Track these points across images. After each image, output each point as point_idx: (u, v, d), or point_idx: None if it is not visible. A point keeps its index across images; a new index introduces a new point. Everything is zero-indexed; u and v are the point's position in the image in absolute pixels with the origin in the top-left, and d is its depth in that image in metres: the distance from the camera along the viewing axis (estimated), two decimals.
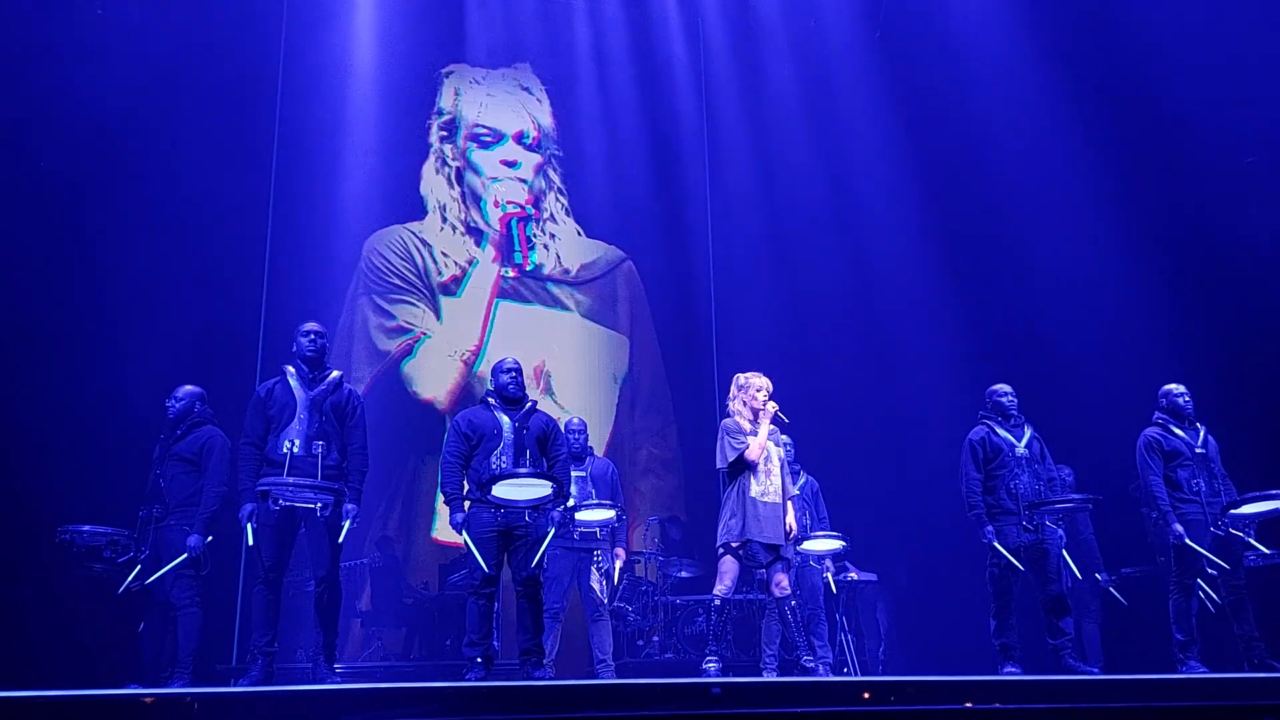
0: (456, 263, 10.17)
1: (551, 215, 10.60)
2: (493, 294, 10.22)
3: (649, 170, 10.63)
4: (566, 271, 10.50)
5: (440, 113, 10.52)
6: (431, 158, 10.38)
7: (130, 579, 5.42)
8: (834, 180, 10.01)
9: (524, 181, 10.61)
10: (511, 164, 10.61)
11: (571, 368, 10.24)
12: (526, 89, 10.85)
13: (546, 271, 10.45)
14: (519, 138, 10.70)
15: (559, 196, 10.69)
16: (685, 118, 10.84)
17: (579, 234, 10.61)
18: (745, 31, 10.72)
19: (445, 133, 10.51)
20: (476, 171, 10.52)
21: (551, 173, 10.73)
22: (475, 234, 10.34)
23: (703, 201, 10.71)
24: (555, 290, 10.46)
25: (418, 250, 10.09)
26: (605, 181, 10.64)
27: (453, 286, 10.13)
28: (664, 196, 10.61)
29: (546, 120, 10.85)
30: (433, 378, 9.80)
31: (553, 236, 10.53)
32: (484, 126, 10.63)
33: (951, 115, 9.31)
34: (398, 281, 9.98)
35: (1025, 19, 8.85)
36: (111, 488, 6.13)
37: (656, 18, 10.84)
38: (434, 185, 10.35)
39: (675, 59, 10.86)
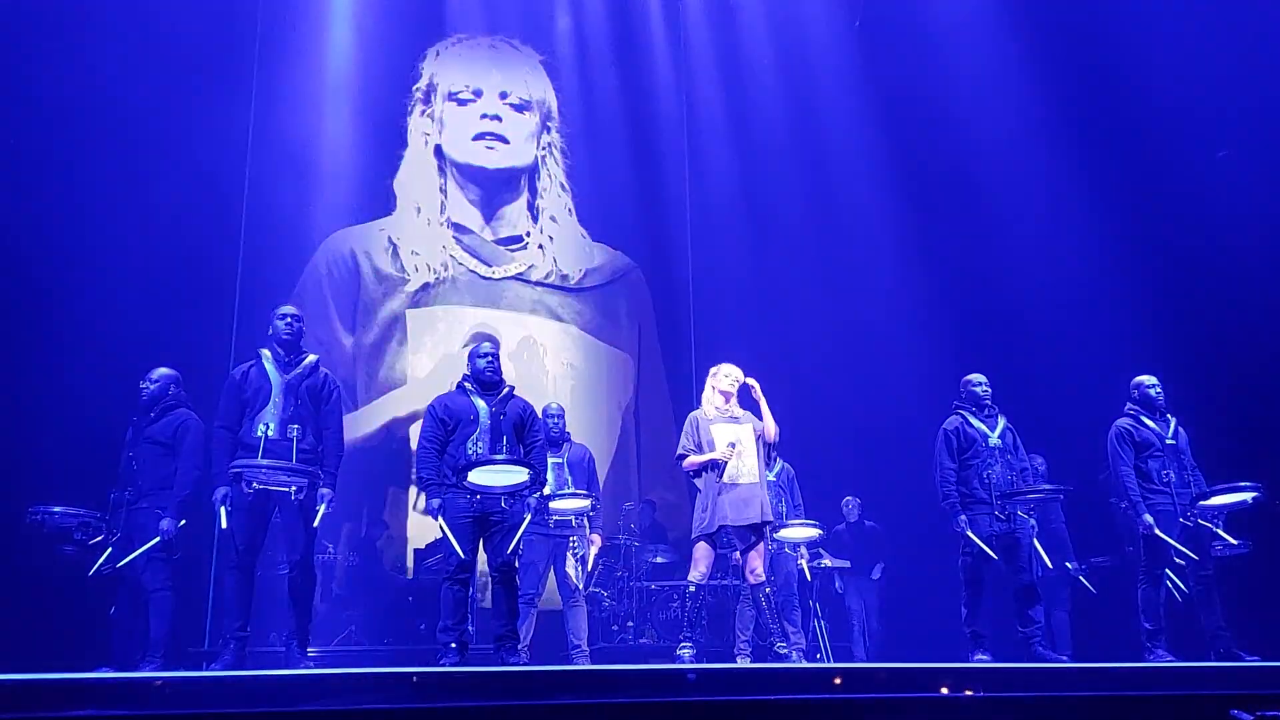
0: (430, 266, 9.34)
1: (553, 216, 9.79)
2: (469, 299, 9.25)
3: (630, 175, 10.09)
4: (565, 277, 9.67)
5: (417, 90, 9.84)
6: (411, 143, 9.72)
7: (101, 561, 5.37)
8: (812, 171, 10.01)
9: (503, 139, 9.69)
10: (494, 117, 9.71)
11: (565, 388, 9.27)
12: (514, 46, 10.06)
13: (539, 276, 9.63)
14: (502, 95, 9.86)
15: (560, 192, 9.85)
16: (665, 114, 10.46)
17: (583, 235, 9.84)
18: (724, 25, 10.61)
19: (424, 105, 9.79)
20: (455, 131, 9.71)
21: (554, 162, 9.91)
22: (456, 227, 9.54)
23: (681, 202, 10.27)
24: (548, 297, 9.53)
25: (383, 252, 9.23)
26: (596, 181, 10.07)
27: (423, 296, 9.24)
28: (644, 201, 10.09)
29: (540, 84, 10.00)
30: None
31: (550, 238, 9.76)
32: (462, 85, 9.82)
33: (930, 108, 9.35)
34: (350, 304, 9.04)
35: (1002, 5, 8.89)
36: (82, 469, 6.05)
37: (636, 11, 10.58)
38: (411, 173, 9.59)
39: (657, 52, 10.47)
